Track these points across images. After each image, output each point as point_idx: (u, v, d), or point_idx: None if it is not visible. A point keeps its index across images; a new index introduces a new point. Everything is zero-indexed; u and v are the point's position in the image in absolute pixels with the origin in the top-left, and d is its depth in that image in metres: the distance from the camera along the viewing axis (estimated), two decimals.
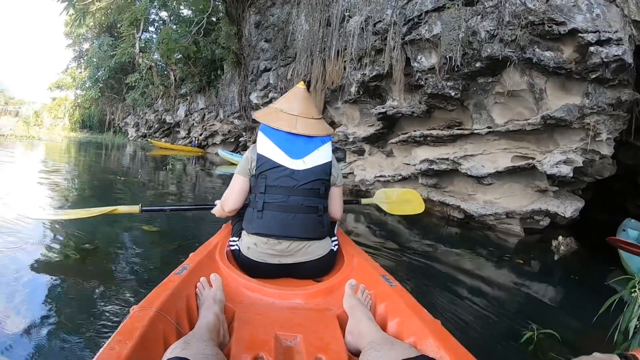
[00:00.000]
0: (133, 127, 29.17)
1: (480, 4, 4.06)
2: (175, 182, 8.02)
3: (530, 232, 4.87)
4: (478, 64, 4.13)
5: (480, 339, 2.05)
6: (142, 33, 23.25)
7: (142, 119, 26.96)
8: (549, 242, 4.33)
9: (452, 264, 3.48)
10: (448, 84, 4.52)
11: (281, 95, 2.18)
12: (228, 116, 16.44)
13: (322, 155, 1.98)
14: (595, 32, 3.31)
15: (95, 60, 27.26)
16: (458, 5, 4.23)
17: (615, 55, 3.30)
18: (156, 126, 25.53)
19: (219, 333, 1.18)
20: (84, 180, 7.10)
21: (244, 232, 1.94)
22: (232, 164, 12.43)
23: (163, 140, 24.63)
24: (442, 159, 5.17)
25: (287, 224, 1.84)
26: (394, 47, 5.00)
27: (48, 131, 29.86)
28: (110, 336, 0.97)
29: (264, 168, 1.88)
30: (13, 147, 13.24)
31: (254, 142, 2.02)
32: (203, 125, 20.25)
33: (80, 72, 32.93)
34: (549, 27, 3.48)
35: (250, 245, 1.87)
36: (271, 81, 9.49)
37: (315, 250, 1.90)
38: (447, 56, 4.29)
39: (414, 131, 5.48)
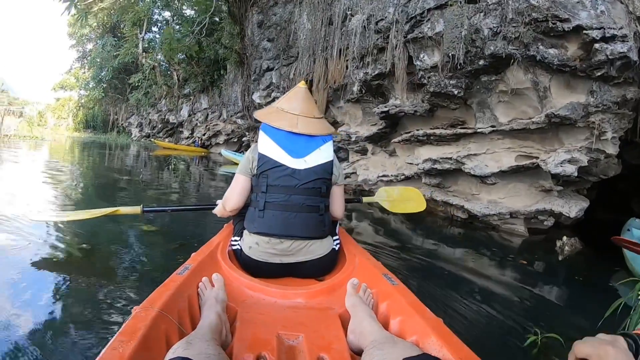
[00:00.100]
0: (136, 127, 29.33)
1: (483, 1, 4.04)
2: (178, 182, 8.04)
3: (535, 232, 4.84)
4: (481, 62, 4.10)
5: (483, 341, 2.03)
6: (145, 33, 23.37)
7: (146, 119, 27.10)
8: (553, 243, 4.29)
9: (456, 264, 3.46)
10: (451, 82, 4.49)
11: (283, 94, 2.19)
12: (231, 116, 16.48)
13: (323, 154, 1.98)
14: (599, 29, 3.28)
15: (98, 60, 27.45)
16: (460, 2, 4.21)
17: (620, 52, 3.26)
18: (159, 126, 25.67)
19: (221, 333, 1.19)
20: (87, 180, 7.13)
21: (245, 232, 1.95)
22: (235, 163, 12.45)
23: (166, 140, 24.74)
24: (446, 158, 5.14)
25: (288, 223, 1.85)
26: (396, 46, 4.97)
27: (52, 131, 30.08)
28: (112, 336, 0.97)
29: (265, 167, 1.89)
30: (17, 147, 13.30)
31: (257, 141, 2.01)
32: (206, 125, 20.33)
33: (84, 73, 33.14)
34: (553, 24, 3.45)
35: (252, 244, 1.88)
36: (274, 80, 9.49)
37: (316, 249, 1.91)
38: (450, 54, 4.27)
39: (417, 130, 5.45)
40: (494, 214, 4.92)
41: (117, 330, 1.01)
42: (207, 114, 19.90)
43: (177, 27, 20.43)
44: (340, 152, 8.16)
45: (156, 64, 22.66)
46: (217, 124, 19.12)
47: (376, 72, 5.50)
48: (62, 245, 2.95)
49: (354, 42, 5.73)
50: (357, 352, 1.23)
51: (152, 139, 25.58)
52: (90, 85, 30.56)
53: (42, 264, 2.55)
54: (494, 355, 1.87)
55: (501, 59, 3.95)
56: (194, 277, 1.53)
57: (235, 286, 1.64)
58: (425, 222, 5.33)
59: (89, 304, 2.03)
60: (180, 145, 21.92)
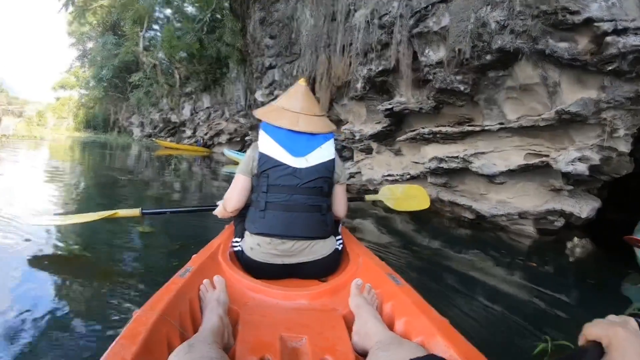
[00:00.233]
0: (138, 126, 29.54)
1: None
2: (180, 183, 8.07)
3: (544, 233, 4.78)
4: (488, 57, 4.05)
5: (491, 344, 2.01)
6: (145, 31, 23.49)
7: (147, 118, 27.30)
8: (564, 244, 4.25)
9: (463, 265, 3.42)
10: (457, 78, 4.45)
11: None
12: (234, 115, 16.54)
13: (324, 152, 1.99)
14: (611, 21, 3.22)
15: (99, 59, 27.68)
16: None
17: (633, 46, 3.20)
18: (161, 125, 25.83)
19: (223, 335, 1.19)
20: (87, 181, 7.18)
21: (246, 233, 1.95)
22: (238, 163, 12.51)
23: (168, 139, 24.87)
24: (452, 157, 5.10)
25: (290, 224, 1.85)
26: (401, 41, 4.94)
27: (52, 131, 30.29)
28: (113, 340, 0.98)
29: (266, 167, 1.90)
30: (16, 147, 13.40)
31: (257, 140, 2.02)
32: (209, 124, 20.41)
33: (84, 72, 33.41)
34: (562, 16, 3.40)
35: (253, 245, 1.88)
36: (276, 78, 9.50)
37: (319, 249, 1.91)
38: (456, 49, 4.23)
39: (423, 128, 5.41)
40: (503, 215, 4.87)
41: (118, 334, 1.01)
42: (210, 113, 19.98)
43: (178, 24, 20.51)
44: (345, 151, 8.15)
45: (157, 63, 22.79)
46: (219, 123, 19.20)
47: (380, 69, 5.47)
48: (60, 248, 2.97)
49: (358, 38, 5.71)
50: (361, 354, 1.23)
51: (153, 139, 25.74)
52: (91, 85, 30.85)
53: (40, 267, 2.56)
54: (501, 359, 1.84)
55: (509, 53, 3.90)
56: (195, 279, 1.53)
57: (237, 288, 1.65)
58: (431, 222, 5.30)
59: (89, 307, 2.04)
60: (183, 145, 22.02)
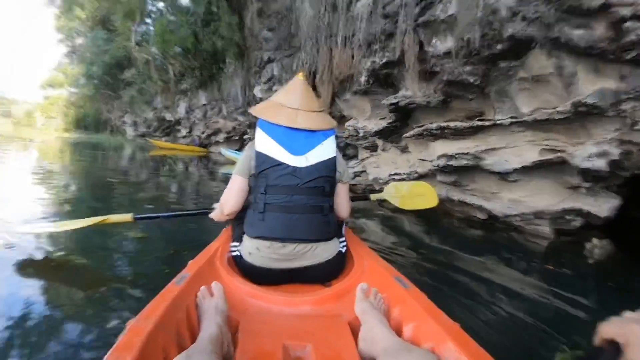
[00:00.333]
0: (131, 125, 29.67)
1: None
2: (175, 185, 8.09)
3: (561, 234, 4.74)
4: (499, 46, 4.02)
5: (505, 352, 1.98)
6: (138, 25, 23.54)
7: (140, 117, 27.41)
8: (582, 245, 4.21)
9: (475, 268, 3.40)
10: (466, 69, 4.42)
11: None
12: (231, 112, 16.56)
13: (325, 150, 2.00)
14: (630, 5, 3.18)
15: (88, 55, 27.74)
16: None
17: None
18: (155, 124, 25.92)
19: (222, 345, 1.20)
20: (78, 185, 7.19)
21: (245, 236, 1.96)
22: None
23: (163, 139, 24.94)
24: (462, 153, 5.06)
25: (290, 226, 1.87)
26: (406, 31, 4.92)
27: (41, 132, 30.37)
28: (106, 352, 0.98)
29: (264, 166, 1.91)
30: (3, 149, 13.45)
31: (254, 139, 2.02)
32: (205, 123, 20.45)
33: (74, 69, 33.53)
34: (577, 1, 3.36)
35: (252, 250, 1.89)
36: (275, 73, 9.51)
37: (322, 252, 1.92)
38: (465, 38, 4.20)
39: (430, 123, 5.39)
40: (517, 215, 4.84)
41: (112, 345, 1.02)
42: (206, 111, 20.00)
43: (172, 17, 20.52)
44: (349, 148, 8.15)
45: (150, 58, 22.82)
46: (216, 121, 19.22)
47: (384, 61, 5.44)
48: (50, 254, 2.97)
49: (360, 29, 5.69)
50: None
51: (147, 139, 25.82)
52: (81, 82, 30.93)
53: (28, 275, 2.56)
54: None
55: (521, 42, 3.87)
56: (191, 286, 1.54)
57: (236, 295, 1.65)
58: (441, 223, 5.27)
59: (80, 317, 2.03)
60: (178, 145, 22.09)
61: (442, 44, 4.62)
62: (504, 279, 3.21)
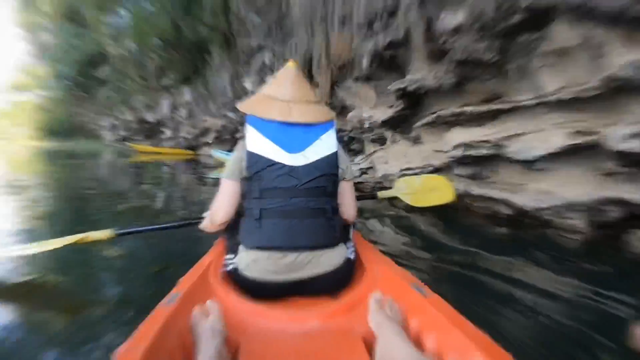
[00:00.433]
0: (109, 129, 29.78)
1: None
2: (161, 193, 8.11)
3: (598, 227, 4.70)
4: (516, 17, 4.00)
5: None
6: (111, 17, 23.58)
7: (119, 119, 27.47)
8: (623, 238, 4.17)
9: (502, 270, 3.39)
10: (480, 45, 4.40)
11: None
12: (220, 108, 16.59)
13: (325, 145, 2.02)
14: None
15: (57, 53, 27.80)
16: None
17: None
18: (136, 127, 26.02)
19: None
20: (53, 199, 7.25)
21: (241, 247, 1.96)
22: None
23: (145, 143, 25.00)
24: (481, 141, 5.04)
25: (291, 233, 1.87)
26: (411, 5, 4.89)
27: (8, 142, 30.42)
28: None
29: (257, 168, 1.92)
30: None
31: (244, 138, 2.03)
32: (191, 122, 20.48)
33: (41, 69, 33.60)
34: None
35: (250, 262, 1.89)
36: (266, 62, 9.51)
37: (328, 260, 1.91)
38: (477, 10, 4.17)
39: (443, 110, 5.36)
40: (546, 208, 4.81)
41: None
42: (192, 109, 20.04)
43: (148, 5, 20.56)
44: (354, 143, 8.14)
45: (127, 53, 22.87)
46: (204, 120, 19.25)
47: (388, 41, 5.43)
48: (21, 279, 2.98)
49: (359, 6, 5.67)
50: None
51: (127, 143, 25.86)
52: (50, 84, 30.99)
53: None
54: None
55: (541, 11, 3.85)
56: (184, 306, 1.54)
57: (235, 313, 1.66)
58: (461, 221, 5.26)
59: (59, 347, 2.03)
60: (162, 148, 22.16)
61: (452, 18, 4.59)
62: (536, 279, 3.19)
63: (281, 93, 2.04)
